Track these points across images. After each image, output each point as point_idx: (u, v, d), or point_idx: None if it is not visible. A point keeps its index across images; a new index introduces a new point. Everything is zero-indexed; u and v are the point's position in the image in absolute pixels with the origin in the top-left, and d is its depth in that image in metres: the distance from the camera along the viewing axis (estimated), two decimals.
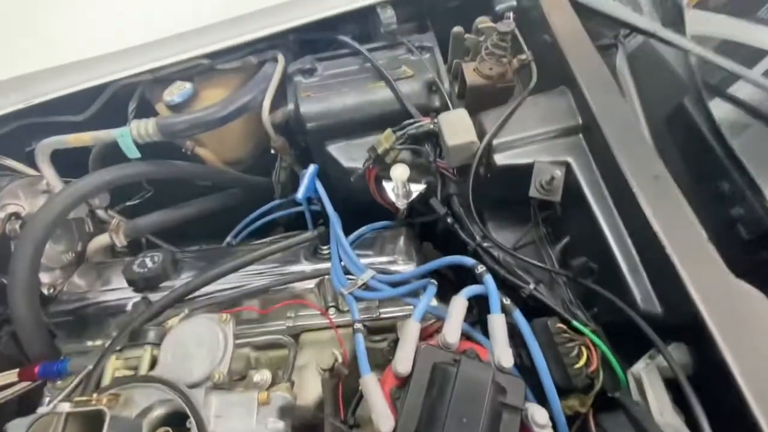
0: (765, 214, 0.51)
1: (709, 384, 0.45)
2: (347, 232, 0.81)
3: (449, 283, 0.81)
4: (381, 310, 0.76)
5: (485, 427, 0.46)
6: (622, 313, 0.50)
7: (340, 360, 0.59)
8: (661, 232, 0.44)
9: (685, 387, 0.38)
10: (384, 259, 0.81)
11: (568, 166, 0.58)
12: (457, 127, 0.64)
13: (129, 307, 0.76)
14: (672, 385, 0.47)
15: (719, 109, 0.63)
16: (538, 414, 0.47)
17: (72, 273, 0.87)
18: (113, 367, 0.56)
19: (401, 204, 0.82)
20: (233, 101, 0.87)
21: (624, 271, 0.50)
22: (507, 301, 0.55)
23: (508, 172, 0.62)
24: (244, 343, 0.70)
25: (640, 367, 0.47)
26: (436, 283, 0.61)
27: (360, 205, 0.88)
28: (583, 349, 0.51)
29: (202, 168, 0.99)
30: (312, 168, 0.84)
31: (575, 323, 0.54)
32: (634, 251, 0.50)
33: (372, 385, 0.50)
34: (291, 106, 0.88)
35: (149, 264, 0.79)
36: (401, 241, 0.86)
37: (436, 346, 0.52)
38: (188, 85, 0.91)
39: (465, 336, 0.59)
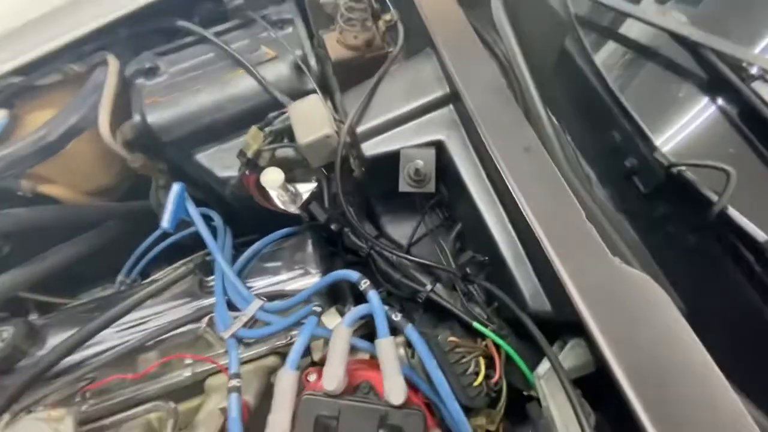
0: (657, 166, 0.45)
1: (604, 382, 0.39)
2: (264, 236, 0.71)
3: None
4: (293, 332, 0.67)
5: None
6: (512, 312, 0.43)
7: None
8: (532, 216, 0.37)
9: (568, 391, 0.32)
10: (292, 274, 0.71)
11: (440, 146, 0.50)
12: (309, 120, 0.53)
13: None
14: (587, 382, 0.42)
15: (606, 52, 0.55)
16: None
17: None
18: None
19: (293, 210, 0.71)
20: (58, 124, 0.70)
21: (510, 265, 0.43)
22: (397, 318, 0.48)
23: (380, 162, 0.52)
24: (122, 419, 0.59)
25: (541, 371, 0.42)
26: (318, 311, 0.52)
27: (262, 211, 0.76)
28: (481, 361, 0.44)
29: (57, 209, 0.83)
30: (175, 188, 0.71)
31: (475, 325, 0.47)
32: (517, 241, 0.43)
33: None
34: (137, 118, 0.73)
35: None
36: (308, 248, 0.76)
37: (320, 390, 0.44)
38: (1, 113, 0.73)
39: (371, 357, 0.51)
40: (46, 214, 0.80)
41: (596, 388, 0.40)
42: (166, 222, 0.70)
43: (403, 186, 0.49)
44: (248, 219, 0.75)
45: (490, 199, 0.45)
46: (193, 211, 0.72)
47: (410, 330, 0.47)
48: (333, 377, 0.42)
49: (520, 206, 0.37)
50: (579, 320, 0.34)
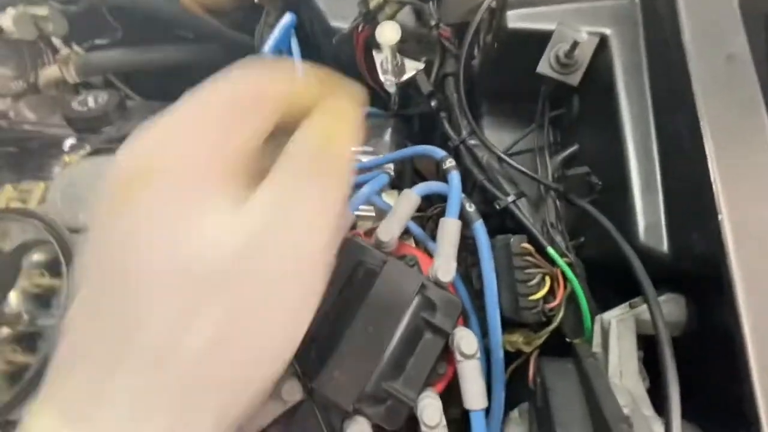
0: None
1: (700, 352, 0.33)
2: None
3: None
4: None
5: (397, 344, 0.38)
6: (613, 249, 0.37)
7: None
8: (711, 142, 0.29)
9: (665, 347, 0.27)
10: (360, 151, 0.68)
11: (603, 40, 0.41)
12: None
13: (66, 147, 0.68)
14: (649, 346, 0.37)
15: None
16: (465, 341, 0.37)
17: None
18: (6, 197, 0.49)
19: (389, 82, 0.66)
20: None
21: (635, 192, 0.36)
22: (471, 208, 0.43)
23: (520, 39, 0.45)
24: None
25: (613, 314, 0.36)
26: (389, 173, 0.49)
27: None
28: (547, 279, 0.40)
29: (180, 12, 0.84)
30: (288, 17, 0.67)
31: (549, 250, 0.42)
32: (657, 166, 0.36)
33: None
34: None
35: (91, 103, 0.69)
36: (387, 133, 0.73)
37: (369, 242, 0.41)
38: None
39: (417, 244, 0.49)
40: (163, 6, 0.81)
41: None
42: (267, 46, 0.68)
43: (545, 67, 0.41)
44: None
45: (642, 116, 0.37)
46: (295, 46, 0.69)
47: (479, 225, 0.43)
48: (389, 231, 0.40)
49: (702, 128, 0.30)
50: (712, 271, 0.28)
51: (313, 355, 0.39)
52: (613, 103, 0.38)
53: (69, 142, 0.69)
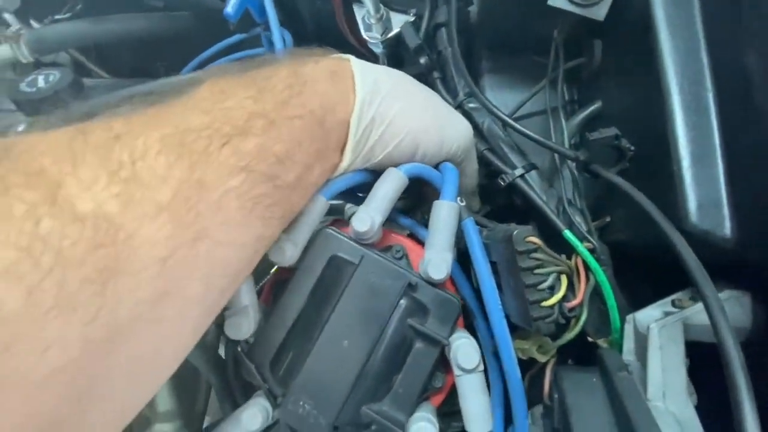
0: None
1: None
2: None
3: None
4: None
5: (380, 359, 0.31)
6: (650, 232, 0.29)
7: None
8: None
9: (735, 365, 0.20)
10: None
11: None
12: None
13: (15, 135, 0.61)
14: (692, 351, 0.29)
15: None
16: (463, 353, 0.30)
17: None
18: None
19: (374, 40, 0.57)
20: None
21: (682, 157, 0.27)
22: (462, 203, 0.35)
23: None
24: None
25: (652, 315, 0.28)
26: None
27: (334, 39, 0.63)
28: (564, 278, 0.32)
29: None
30: None
31: (567, 233, 0.34)
32: (715, 123, 0.27)
33: None
34: None
35: (41, 83, 0.62)
36: None
37: (348, 234, 0.34)
38: None
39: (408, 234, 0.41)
40: None
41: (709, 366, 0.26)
42: (230, 6, 0.59)
43: (560, 0, 0.32)
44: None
45: (691, 56, 0.28)
46: (271, 10, 0.60)
47: (469, 223, 0.34)
48: (365, 219, 0.32)
49: None
50: None
51: (281, 372, 0.32)
52: (652, 41, 0.29)
53: (20, 128, 0.61)
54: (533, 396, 0.37)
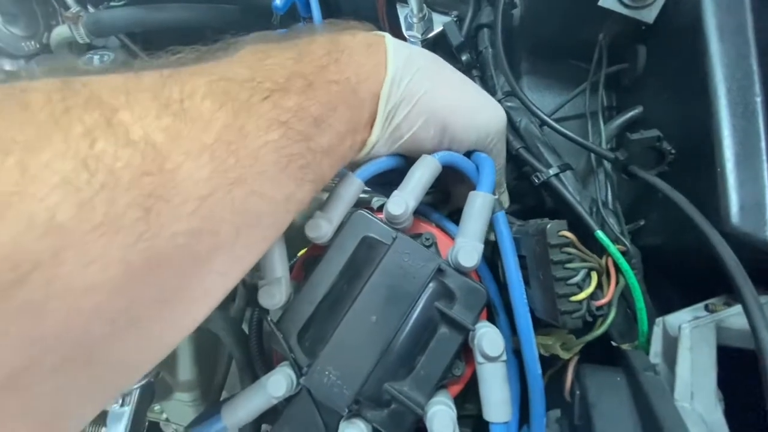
0: None
1: None
2: None
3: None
4: None
5: (405, 338, 0.31)
6: (687, 235, 0.29)
7: None
8: None
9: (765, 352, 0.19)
10: None
11: None
12: None
13: None
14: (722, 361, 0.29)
15: None
16: (488, 340, 0.31)
17: None
18: None
19: (414, 39, 0.58)
20: None
21: (726, 159, 0.27)
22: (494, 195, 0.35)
23: None
24: None
25: (683, 318, 0.28)
26: None
27: None
28: (594, 275, 0.32)
29: None
30: None
31: (599, 233, 0.34)
32: (762, 126, 0.27)
33: None
34: None
35: (96, 62, 0.65)
36: None
37: (380, 218, 0.35)
38: None
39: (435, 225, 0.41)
40: None
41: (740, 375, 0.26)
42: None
43: (610, 1, 0.33)
44: None
45: (740, 62, 0.28)
46: (315, 5, 0.62)
47: (501, 216, 0.35)
48: (399, 203, 0.33)
49: None
50: None
51: (308, 343, 0.33)
52: (702, 45, 0.29)
53: None
54: (550, 399, 0.36)
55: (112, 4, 0.91)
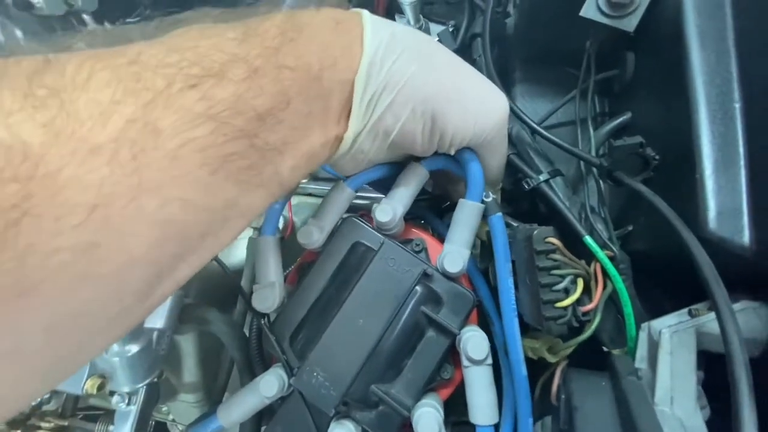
0: None
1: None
2: None
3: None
4: None
5: (393, 341, 0.32)
6: (671, 240, 0.29)
7: None
8: None
9: (739, 370, 0.20)
10: None
11: None
12: None
13: None
14: (711, 365, 0.29)
15: None
16: (473, 344, 0.31)
17: None
18: None
19: None
20: None
21: (705, 166, 0.27)
22: (488, 198, 0.36)
23: None
24: None
25: (666, 323, 0.28)
26: None
27: None
28: (580, 282, 0.32)
29: None
30: None
31: (587, 239, 0.34)
32: (740, 133, 0.27)
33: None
34: None
35: None
36: None
37: (371, 223, 0.36)
38: None
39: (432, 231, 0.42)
40: None
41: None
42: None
43: (591, 11, 0.33)
44: None
45: (720, 68, 0.28)
46: None
47: (497, 219, 0.35)
48: (387, 210, 0.34)
49: None
50: None
51: (299, 345, 0.34)
52: (682, 51, 0.29)
53: None
54: (544, 407, 0.37)
55: (127, 20, 0.96)
